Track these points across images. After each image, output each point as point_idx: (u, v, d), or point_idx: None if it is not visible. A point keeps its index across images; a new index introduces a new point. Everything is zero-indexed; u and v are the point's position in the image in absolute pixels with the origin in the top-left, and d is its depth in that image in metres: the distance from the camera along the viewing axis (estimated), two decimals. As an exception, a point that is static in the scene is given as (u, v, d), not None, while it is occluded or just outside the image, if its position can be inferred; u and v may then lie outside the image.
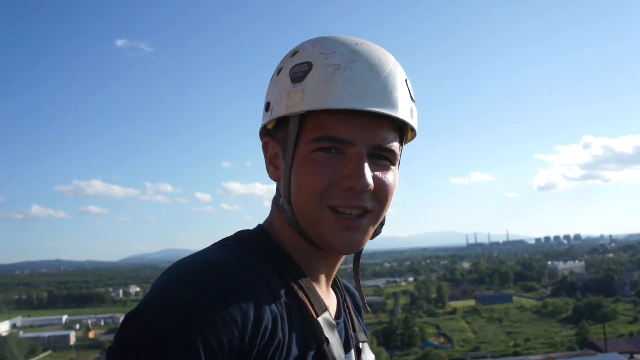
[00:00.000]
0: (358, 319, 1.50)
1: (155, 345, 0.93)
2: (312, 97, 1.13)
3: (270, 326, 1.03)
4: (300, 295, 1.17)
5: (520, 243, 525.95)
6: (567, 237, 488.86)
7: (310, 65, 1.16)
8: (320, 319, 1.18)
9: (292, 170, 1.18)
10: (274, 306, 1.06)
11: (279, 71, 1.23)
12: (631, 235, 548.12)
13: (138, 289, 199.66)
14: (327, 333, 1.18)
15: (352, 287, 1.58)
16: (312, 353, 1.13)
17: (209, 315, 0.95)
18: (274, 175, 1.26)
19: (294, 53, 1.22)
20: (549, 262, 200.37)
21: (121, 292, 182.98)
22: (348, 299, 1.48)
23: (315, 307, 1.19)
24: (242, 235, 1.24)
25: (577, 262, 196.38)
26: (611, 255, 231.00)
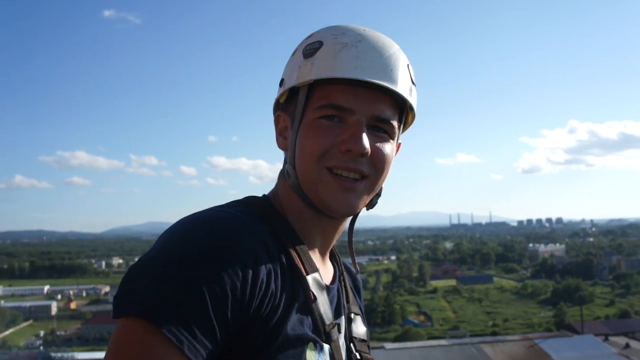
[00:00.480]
0: (355, 296, 1.57)
1: (162, 297, 0.99)
2: (320, 68, 1.24)
3: (265, 279, 1.11)
4: (293, 254, 1.24)
5: (503, 224, 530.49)
6: (549, 220, 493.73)
7: (320, 43, 1.28)
8: (309, 277, 1.25)
9: (298, 136, 1.28)
10: (267, 261, 1.13)
11: (294, 52, 1.36)
12: (612, 220, 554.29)
13: (121, 261, 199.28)
14: (315, 291, 1.25)
15: (352, 269, 1.64)
16: (298, 306, 1.20)
17: (212, 267, 1.02)
18: (282, 145, 1.35)
19: (309, 37, 1.34)
20: (530, 244, 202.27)
21: (103, 263, 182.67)
22: (346, 276, 1.55)
23: (306, 266, 1.26)
24: (247, 199, 1.33)
25: (557, 245, 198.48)
26: (591, 239, 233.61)
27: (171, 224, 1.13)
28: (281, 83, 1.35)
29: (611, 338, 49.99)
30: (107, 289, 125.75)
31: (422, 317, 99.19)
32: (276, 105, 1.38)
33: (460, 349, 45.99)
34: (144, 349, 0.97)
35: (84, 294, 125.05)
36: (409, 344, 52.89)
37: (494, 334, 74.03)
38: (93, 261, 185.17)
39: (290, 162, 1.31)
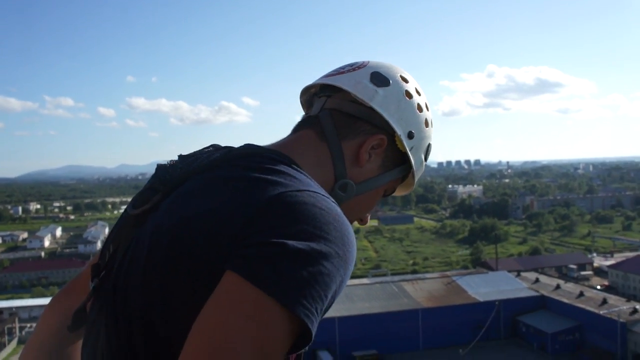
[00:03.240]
0: None
1: (314, 296, 0.93)
2: (420, 169, 1.45)
3: None
4: None
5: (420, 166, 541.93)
6: (467, 162, 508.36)
7: (429, 150, 1.47)
8: None
9: (375, 188, 1.39)
10: None
11: (418, 106, 1.41)
12: (526, 162, 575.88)
13: (38, 206, 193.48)
14: None
15: None
16: None
17: (347, 274, 1.03)
18: (363, 160, 1.33)
19: (425, 104, 1.45)
20: (449, 186, 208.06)
21: (20, 209, 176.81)
22: None
23: None
24: (299, 166, 1.22)
25: (475, 186, 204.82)
26: (507, 181, 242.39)
27: (306, 200, 1.04)
28: (410, 135, 1.38)
29: (523, 274, 52.76)
30: (25, 235, 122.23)
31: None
32: (382, 122, 1.35)
33: (382, 287, 47.55)
34: (284, 336, 0.92)
35: (0, 240, 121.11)
36: (332, 284, 54.17)
37: (414, 272, 76.56)
38: (9, 207, 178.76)
39: (358, 186, 1.35)
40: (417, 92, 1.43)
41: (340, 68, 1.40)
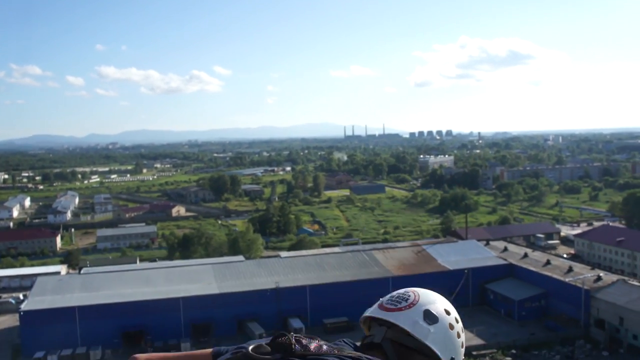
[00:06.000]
0: None
1: None
2: None
3: None
4: None
5: (396, 136, 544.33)
6: (439, 132, 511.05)
7: None
8: None
9: None
10: None
11: (457, 334, 1.89)
12: (497, 133, 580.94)
13: (6, 176, 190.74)
14: None
15: None
16: None
17: None
18: None
19: (461, 329, 1.96)
20: (421, 156, 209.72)
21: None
22: None
23: None
24: None
25: (446, 156, 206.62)
26: (478, 151, 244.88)
27: None
28: None
29: (492, 242, 53.58)
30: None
31: (316, 226, 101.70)
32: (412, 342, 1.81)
33: (353, 256, 47.92)
34: None
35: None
36: (303, 252, 54.45)
37: (385, 241, 77.38)
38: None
39: None
40: (457, 320, 1.87)
41: (397, 301, 1.86)
